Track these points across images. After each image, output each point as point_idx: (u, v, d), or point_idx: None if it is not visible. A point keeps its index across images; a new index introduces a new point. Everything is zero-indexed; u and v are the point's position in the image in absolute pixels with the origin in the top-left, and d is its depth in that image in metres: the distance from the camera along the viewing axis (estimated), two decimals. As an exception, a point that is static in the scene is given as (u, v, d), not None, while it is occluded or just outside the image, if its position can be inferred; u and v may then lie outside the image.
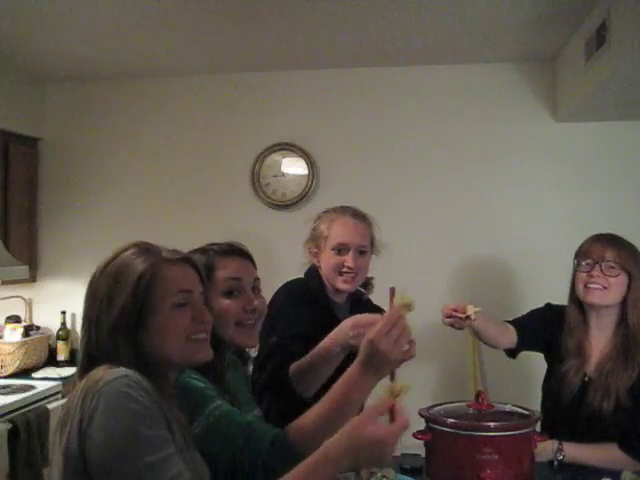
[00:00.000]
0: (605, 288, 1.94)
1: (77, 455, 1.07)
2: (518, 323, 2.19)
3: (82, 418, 1.08)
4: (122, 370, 1.11)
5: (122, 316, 1.16)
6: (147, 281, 1.18)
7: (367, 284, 2.17)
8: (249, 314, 1.51)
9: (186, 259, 1.28)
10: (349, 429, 1.14)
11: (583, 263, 2.00)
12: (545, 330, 2.14)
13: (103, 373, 1.11)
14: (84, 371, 1.17)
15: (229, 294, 1.50)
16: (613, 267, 1.93)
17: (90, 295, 1.21)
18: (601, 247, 1.96)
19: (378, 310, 2.22)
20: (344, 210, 2.08)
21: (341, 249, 2.00)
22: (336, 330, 1.71)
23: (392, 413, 1.18)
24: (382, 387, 1.29)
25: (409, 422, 1.17)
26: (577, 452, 1.87)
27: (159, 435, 1.07)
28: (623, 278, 1.94)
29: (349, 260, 1.98)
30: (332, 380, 1.45)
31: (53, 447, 1.16)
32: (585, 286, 1.98)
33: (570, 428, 1.96)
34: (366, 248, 2.04)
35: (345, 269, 1.99)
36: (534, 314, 2.21)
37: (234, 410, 1.38)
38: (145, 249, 1.24)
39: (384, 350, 1.30)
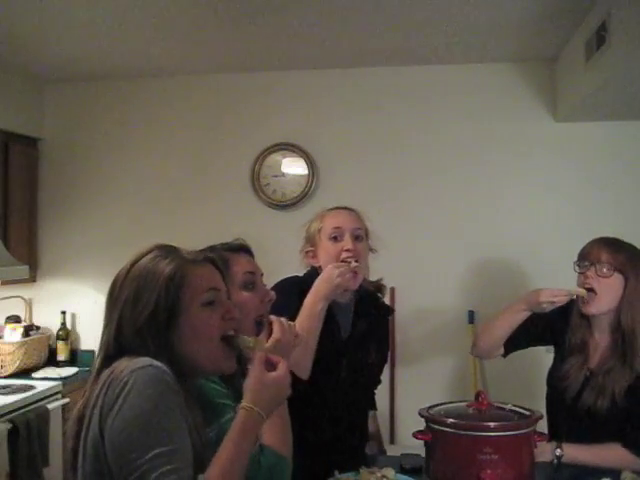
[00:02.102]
0: (596, 293, 1.96)
1: (99, 441, 1.09)
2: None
3: (103, 405, 1.09)
4: (147, 359, 1.12)
5: (152, 319, 1.17)
6: (177, 282, 1.19)
7: (380, 288, 2.14)
8: (266, 305, 1.58)
9: (209, 259, 1.29)
10: (252, 383, 1.22)
11: (581, 265, 2.03)
12: (548, 325, 2.14)
13: (127, 363, 1.12)
14: (104, 366, 1.17)
15: (247, 287, 1.56)
16: (606, 269, 1.95)
17: (114, 298, 1.21)
18: (598, 249, 1.99)
19: (387, 308, 2.22)
20: (334, 207, 2.09)
21: (336, 235, 1.96)
22: (317, 284, 1.84)
23: (269, 362, 1.29)
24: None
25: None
26: (580, 454, 1.88)
27: (172, 428, 1.07)
28: (617, 280, 1.95)
29: (347, 243, 1.95)
30: None
31: (67, 441, 1.17)
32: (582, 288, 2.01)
33: (569, 423, 1.99)
34: (361, 233, 1.99)
35: (344, 254, 1.94)
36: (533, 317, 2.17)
37: None
38: (167, 251, 1.25)
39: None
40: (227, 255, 1.56)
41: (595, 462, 1.84)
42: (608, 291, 1.96)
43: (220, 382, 1.42)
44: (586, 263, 2.01)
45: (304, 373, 1.78)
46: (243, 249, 1.62)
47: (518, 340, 2.15)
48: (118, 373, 1.10)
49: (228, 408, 1.39)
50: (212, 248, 1.57)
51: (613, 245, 1.99)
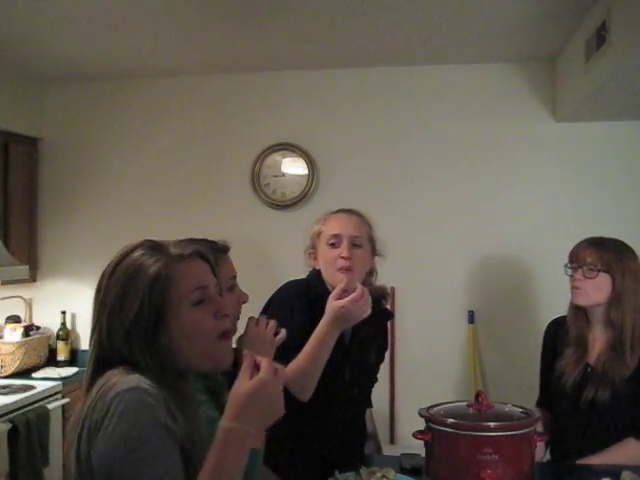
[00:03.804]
0: (584, 291, 2.05)
1: (87, 458, 1.08)
2: (543, 402, 2.25)
3: (91, 424, 1.07)
4: (135, 380, 1.09)
5: (138, 321, 1.12)
6: (162, 283, 1.14)
7: (384, 295, 2.13)
8: (240, 307, 1.64)
9: (197, 253, 1.23)
10: (232, 395, 1.12)
11: (570, 267, 2.12)
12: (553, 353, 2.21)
13: (117, 379, 1.09)
14: (96, 375, 1.14)
15: (230, 289, 1.60)
16: (592, 269, 2.04)
17: (99, 300, 1.18)
18: (582, 251, 2.08)
19: (387, 313, 2.22)
20: (338, 210, 2.07)
21: (334, 242, 1.95)
22: (325, 318, 1.80)
23: (257, 365, 1.17)
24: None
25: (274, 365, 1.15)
26: (597, 461, 1.91)
27: (158, 452, 1.04)
28: (603, 279, 2.03)
29: (344, 251, 1.93)
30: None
31: (69, 448, 1.16)
32: (571, 288, 2.11)
33: (574, 418, 2.04)
34: (360, 241, 1.97)
35: (339, 261, 1.93)
36: (541, 362, 2.28)
37: None
38: (153, 247, 1.19)
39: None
40: (217, 256, 1.56)
41: (616, 462, 1.86)
42: (595, 289, 2.04)
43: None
44: (574, 265, 2.09)
45: (305, 396, 1.81)
46: (227, 250, 1.66)
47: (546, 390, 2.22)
48: (107, 390, 1.08)
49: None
50: (192, 241, 1.57)
51: (597, 245, 2.07)
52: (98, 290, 1.19)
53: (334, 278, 1.94)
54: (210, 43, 3.21)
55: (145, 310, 1.13)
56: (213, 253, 1.57)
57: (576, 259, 2.09)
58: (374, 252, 2.04)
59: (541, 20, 2.82)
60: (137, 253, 1.18)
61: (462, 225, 3.46)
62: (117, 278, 1.16)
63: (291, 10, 2.75)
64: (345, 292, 1.80)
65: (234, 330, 1.63)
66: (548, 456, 2.13)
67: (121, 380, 1.09)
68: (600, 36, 2.52)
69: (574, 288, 2.08)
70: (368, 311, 1.83)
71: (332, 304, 1.80)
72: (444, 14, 2.80)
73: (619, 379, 1.98)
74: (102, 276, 1.20)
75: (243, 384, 1.12)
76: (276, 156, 3.64)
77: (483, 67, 3.47)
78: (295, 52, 3.35)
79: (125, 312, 1.13)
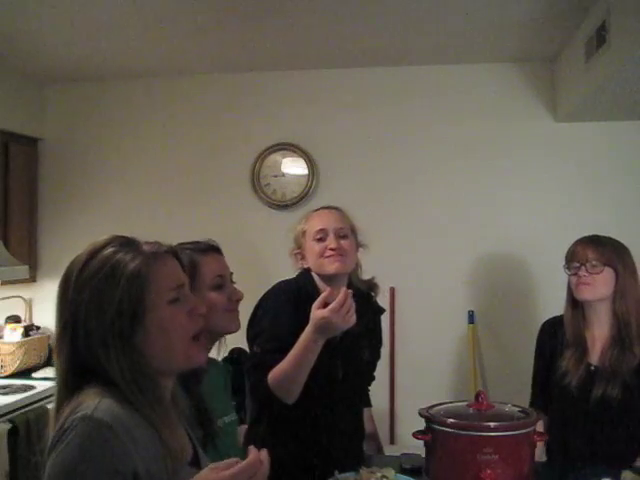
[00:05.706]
0: (593, 285, 2.06)
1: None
2: (538, 402, 2.21)
3: (52, 441, 1.04)
4: (94, 406, 1.04)
5: (116, 319, 1.08)
6: (141, 280, 1.11)
7: (373, 286, 2.15)
8: (234, 303, 1.64)
9: (170, 251, 1.22)
10: (200, 474, 1.05)
11: (571, 266, 2.13)
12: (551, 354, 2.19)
13: (88, 402, 1.05)
14: (74, 388, 1.09)
15: (217, 288, 1.61)
16: (596, 265, 2.06)
17: (70, 298, 1.12)
18: (583, 249, 2.10)
19: (379, 308, 2.22)
20: (318, 208, 2.13)
21: (321, 236, 1.99)
22: (309, 326, 1.78)
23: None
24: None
25: (262, 459, 1.06)
26: None
27: None
28: (608, 273, 2.06)
29: (331, 243, 1.97)
30: None
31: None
32: (576, 285, 2.10)
33: (582, 418, 2.03)
34: (345, 231, 2.02)
35: (328, 252, 1.97)
36: (537, 363, 2.27)
37: None
38: (125, 244, 1.17)
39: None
40: (196, 257, 1.58)
41: None
42: (602, 283, 2.06)
43: None
44: (576, 264, 2.10)
45: (290, 399, 1.81)
46: (212, 249, 1.66)
47: (545, 390, 2.20)
48: (73, 411, 1.04)
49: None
50: (181, 245, 1.58)
51: (595, 242, 2.10)
52: (65, 287, 1.14)
53: (324, 268, 1.98)
54: (210, 43, 3.21)
55: (124, 307, 1.09)
56: (196, 253, 1.59)
57: (577, 257, 2.09)
58: (357, 244, 2.08)
59: (541, 20, 2.82)
60: (110, 249, 1.16)
61: (462, 225, 3.46)
62: (91, 274, 1.12)
63: (291, 10, 2.75)
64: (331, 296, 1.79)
65: (237, 327, 1.65)
66: (544, 457, 2.12)
67: (84, 404, 1.05)
68: (600, 36, 2.52)
69: (581, 284, 2.07)
70: (352, 321, 1.80)
71: (314, 314, 1.78)
72: (444, 14, 2.80)
73: (628, 372, 1.99)
74: (69, 272, 1.15)
75: (210, 474, 1.03)
76: (276, 156, 3.64)
77: (483, 67, 3.48)
78: (295, 52, 3.35)
79: (104, 309, 1.09)
